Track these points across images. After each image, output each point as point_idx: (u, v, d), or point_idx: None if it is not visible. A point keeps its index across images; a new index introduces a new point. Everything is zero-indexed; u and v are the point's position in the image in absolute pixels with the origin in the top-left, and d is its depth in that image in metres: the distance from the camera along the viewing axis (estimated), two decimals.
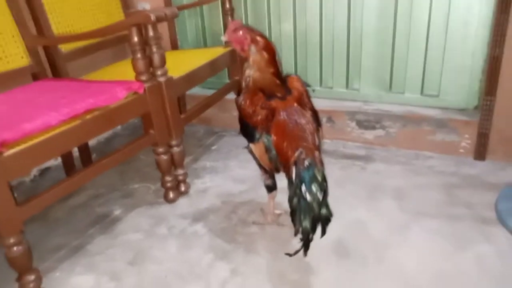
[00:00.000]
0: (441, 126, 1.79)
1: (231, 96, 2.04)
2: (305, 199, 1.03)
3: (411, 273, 1.20)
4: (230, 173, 1.83)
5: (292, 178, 1.08)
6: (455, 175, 1.67)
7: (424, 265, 1.23)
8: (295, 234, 1.06)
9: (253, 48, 1.20)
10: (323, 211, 1.05)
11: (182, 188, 1.67)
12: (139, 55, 1.37)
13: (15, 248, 1.10)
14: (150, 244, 1.41)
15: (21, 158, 1.08)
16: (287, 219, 1.40)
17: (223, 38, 1.26)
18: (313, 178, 1.04)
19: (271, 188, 1.40)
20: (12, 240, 1.09)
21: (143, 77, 1.40)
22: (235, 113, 2.16)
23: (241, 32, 1.20)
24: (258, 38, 1.20)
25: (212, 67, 1.83)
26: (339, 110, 1.97)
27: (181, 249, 1.38)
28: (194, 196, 1.67)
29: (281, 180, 1.33)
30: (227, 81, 2.23)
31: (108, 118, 1.31)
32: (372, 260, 1.26)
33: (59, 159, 1.84)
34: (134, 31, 1.35)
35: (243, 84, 1.25)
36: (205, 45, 2.31)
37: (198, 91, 2.30)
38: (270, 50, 1.21)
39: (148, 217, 1.56)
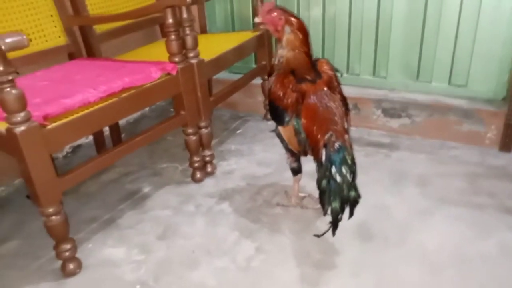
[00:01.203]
0: (467, 116, 1.79)
1: (257, 81, 2.07)
2: (335, 180, 1.06)
3: (433, 256, 1.22)
4: (254, 156, 1.86)
5: (322, 160, 1.11)
6: (480, 165, 1.67)
7: (445, 249, 1.25)
8: (324, 215, 1.09)
9: (287, 28, 1.22)
10: (352, 193, 1.08)
11: (209, 169, 1.71)
12: (173, 37, 1.41)
13: (54, 217, 1.16)
14: (178, 220, 1.46)
15: (62, 132, 1.14)
16: (311, 202, 1.45)
17: (257, 20, 1.28)
18: (343, 161, 1.07)
19: (297, 171, 1.42)
20: (51, 210, 1.15)
21: (177, 59, 1.44)
22: (261, 98, 2.20)
23: (275, 13, 1.22)
24: (292, 18, 1.22)
25: (240, 51, 1.86)
26: (365, 97, 1.98)
27: (208, 226, 1.42)
28: (220, 177, 1.72)
29: (306, 164, 1.37)
30: (254, 66, 2.25)
31: (143, 97, 1.36)
32: (394, 242, 1.29)
33: (90, 138, 1.91)
34: (169, 12, 1.38)
35: (276, 64, 1.27)
36: (233, 30, 2.34)
37: (224, 75, 2.33)
38: (303, 30, 1.23)
39: (176, 195, 1.61)
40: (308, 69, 1.24)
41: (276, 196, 1.56)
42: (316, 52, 2.10)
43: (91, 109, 1.21)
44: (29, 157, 1.06)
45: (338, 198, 1.06)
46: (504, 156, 1.73)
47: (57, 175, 1.16)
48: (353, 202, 1.08)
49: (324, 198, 1.09)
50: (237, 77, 2.01)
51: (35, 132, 1.06)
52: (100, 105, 1.23)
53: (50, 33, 1.59)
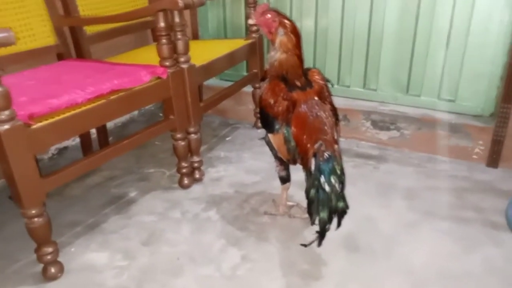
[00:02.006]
0: (455, 131, 1.80)
1: (248, 89, 2.07)
2: (324, 190, 1.06)
3: (418, 270, 1.22)
4: (243, 164, 1.85)
5: (311, 169, 1.10)
6: (467, 180, 1.68)
7: (431, 263, 1.24)
8: (312, 224, 1.08)
9: (281, 31, 1.22)
10: (340, 203, 1.07)
11: (197, 175, 1.70)
12: (164, 41, 1.40)
13: (36, 219, 1.13)
14: (163, 226, 1.44)
15: (47, 132, 1.12)
16: (299, 211, 1.45)
17: (250, 21, 1.28)
18: (332, 170, 1.07)
19: (285, 179, 1.42)
20: (34, 211, 1.12)
21: (167, 63, 1.43)
22: (251, 106, 2.20)
23: (269, 15, 1.22)
24: (286, 21, 1.22)
25: (231, 58, 1.86)
26: (355, 109, 1.99)
27: (194, 233, 1.40)
28: (208, 183, 1.70)
29: (294, 173, 1.36)
30: (245, 73, 2.25)
31: (132, 100, 1.34)
32: (380, 255, 1.28)
33: (77, 140, 1.88)
34: (161, 16, 1.37)
35: (268, 67, 1.27)
36: (225, 37, 2.34)
37: (215, 82, 2.33)
38: (296, 33, 1.23)
39: (163, 200, 1.58)
40: (300, 72, 1.24)
41: (264, 204, 1.55)
42: (308, 63, 2.10)
43: (78, 110, 1.19)
44: (12, 157, 1.04)
45: (326, 208, 1.05)
46: (491, 171, 1.74)
47: (41, 176, 1.13)
48: (341, 213, 1.07)
49: (312, 207, 1.08)
50: (228, 84, 2.01)
51: (20, 132, 1.04)
52: (88, 106, 1.22)
53: (39, 33, 1.56)
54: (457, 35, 1.76)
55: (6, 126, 1.01)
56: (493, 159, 1.75)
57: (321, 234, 1.07)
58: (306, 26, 2.07)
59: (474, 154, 1.80)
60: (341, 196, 1.07)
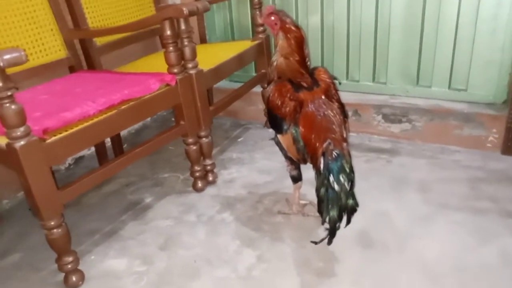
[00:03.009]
0: (468, 120, 1.78)
1: (257, 89, 2.08)
2: (333, 189, 1.07)
3: (433, 264, 1.22)
4: (256, 164, 1.87)
5: (320, 168, 1.11)
6: (481, 170, 1.66)
7: (446, 256, 1.24)
8: (322, 223, 1.10)
9: (281, 34, 1.23)
10: (350, 201, 1.08)
11: (210, 178, 1.72)
12: (171, 48, 1.42)
13: (55, 230, 1.17)
14: (179, 230, 1.47)
15: (61, 145, 1.15)
16: (312, 210, 1.45)
17: (259, 20, 1.29)
18: (341, 169, 1.07)
19: (297, 179, 1.43)
20: (53, 223, 1.15)
21: (175, 70, 1.45)
22: (261, 106, 2.21)
23: (272, 17, 1.24)
24: (288, 25, 1.23)
25: (240, 60, 1.87)
26: (365, 103, 1.98)
27: (209, 236, 1.43)
28: (221, 185, 1.72)
29: (306, 171, 1.37)
30: (254, 74, 2.26)
31: (142, 109, 1.37)
32: (394, 250, 1.28)
33: (93, 149, 1.92)
34: (167, 24, 1.39)
35: (269, 70, 1.29)
36: (233, 39, 2.35)
37: (224, 84, 2.35)
38: (297, 38, 1.23)
39: (178, 204, 1.61)
40: (300, 75, 1.25)
41: (277, 204, 1.57)
42: (315, 59, 2.11)
43: (90, 122, 1.22)
44: (29, 171, 1.07)
45: (336, 206, 1.06)
46: (506, 159, 1.72)
47: (58, 188, 1.16)
48: (351, 210, 1.08)
49: (322, 206, 1.09)
50: (237, 85, 2.02)
51: (35, 146, 1.07)
52: (100, 117, 1.24)
53: (51, 47, 1.61)
54: (466, 23, 1.74)
55: (22, 142, 1.05)
56: (508, 147, 1.73)
57: (332, 233, 1.08)
58: (312, 23, 2.07)
59: (488, 142, 1.78)
60: (351, 194, 1.08)
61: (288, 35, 1.24)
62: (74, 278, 1.24)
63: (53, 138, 1.13)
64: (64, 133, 1.16)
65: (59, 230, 1.17)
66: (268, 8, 1.27)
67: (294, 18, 2.10)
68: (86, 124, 1.21)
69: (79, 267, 1.27)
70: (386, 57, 1.95)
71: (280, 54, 1.26)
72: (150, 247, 1.40)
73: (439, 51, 1.83)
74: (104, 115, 1.26)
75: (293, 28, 1.24)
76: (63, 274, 1.25)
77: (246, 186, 1.70)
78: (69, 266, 1.23)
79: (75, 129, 1.18)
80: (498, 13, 1.66)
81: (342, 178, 1.07)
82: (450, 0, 1.74)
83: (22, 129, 1.04)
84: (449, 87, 1.88)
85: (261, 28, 1.98)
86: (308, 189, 1.47)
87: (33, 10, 1.55)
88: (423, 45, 1.86)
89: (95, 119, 1.23)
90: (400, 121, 1.93)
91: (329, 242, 1.09)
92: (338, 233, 1.10)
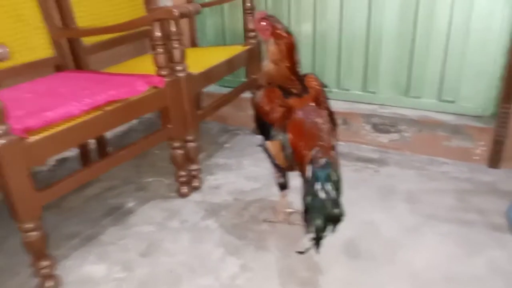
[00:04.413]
0: (456, 132, 1.78)
1: (247, 95, 2.06)
2: (319, 197, 1.04)
3: (421, 275, 1.20)
4: (242, 170, 1.84)
5: (307, 176, 1.09)
6: (469, 182, 1.66)
7: (434, 268, 1.23)
8: (307, 232, 1.07)
9: (271, 40, 1.22)
10: (336, 210, 1.06)
11: (195, 184, 1.69)
12: (160, 50, 1.40)
13: (32, 233, 1.13)
14: (162, 236, 1.43)
15: (43, 145, 1.12)
16: (298, 218, 1.42)
17: (251, 25, 1.29)
18: (328, 177, 1.05)
19: (284, 186, 1.41)
20: (30, 225, 1.12)
21: (164, 72, 1.43)
22: (250, 112, 2.17)
23: (264, 23, 1.23)
24: (279, 31, 1.22)
25: (230, 65, 1.85)
26: (354, 112, 1.98)
27: (193, 243, 1.39)
28: (207, 191, 1.69)
29: (293, 179, 1.34)
30: (244, 79, 2.24)
31: (128, 110, 1.34)
32: (382, 261, 1.26)
33: (76, 150, 1.88)
34: (157, 26, 1.37)
35: (259, 75, 1.28)
36: (224, 43, 2.33)
37: (214, 89, 2.33)
38: (288, 44, 1.23)
39: (161, 210, 1.58)
40: (290, 81, 1.24)
41: (263, 211, 1.54)
42: (307, 66, 2.10)
43: (74, 122, 1.19)
44: (7, 171, 1.04)
45: (322, 215, 1.04)
46: (492, 172, 1.72)
47: (37, 190, 1.13)
48: (337, 220, 1.06)
49: (308, 214, 1.07)
50: (227, 90, 2.00)
51: (15, 146, 1.04)
52: (84, 118, 1.21)
53: (37, 45, 1.57)
54: (457, 36, 1.75)
55: (2, 141, 1.01)
56: (495, 160, 1.73)
57: (317, 242, 1.06)
58: (304, 30, 2.06)
59: (476, 155, 1.78)
60: (337, 203, 1.06)
61: (279, 41, 1.23)
62: (50, 283, 1.20)
63: (35, 138, 1.09)
64: (46, 133, 1.12)
65: (36, 233, 1.13)
66: (259, 14, 1.26)
67: (286, 24, 2.08)
68: (69, 124, 1.18)
69: (56, 272, 1.22)
70: (377, 67, 1.95)
71: (270, 60, 1.25)
72: (131, 253, 1.36)
73: (429, 63, 1.83)
74: (89, 116, 1.22)
75: (284, 34, 1.23)
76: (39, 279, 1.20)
77: (232, 193, 1.67)
78: (45, 270, 1.19)
79: (57, 129, 1.15)
80: (489, 26, 1.67)
81: (329, 186, 1.05)
82: (442, 12, 1.74)
83: (2, 127, 1.01)
84: (438, 99, 1.88)
85: (252, 34, 1.96)
86: (296, 197, 1.44)
87: (21, 8, 1.52)
88: (414, 56, 1.86)
89: (79, 120, 1.20)
90: (389, 131, 1.93)
91: (317, 251, 1.07)
92: (325, 242, 1.08)
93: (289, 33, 1.24)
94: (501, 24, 1.65)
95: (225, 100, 1.89)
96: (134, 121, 2.35)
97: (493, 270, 1.21)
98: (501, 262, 1.24)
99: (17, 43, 1.51)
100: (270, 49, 1.23)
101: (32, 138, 1.09)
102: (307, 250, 1.08)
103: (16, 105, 1.19)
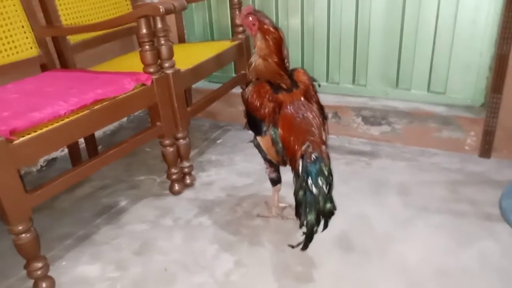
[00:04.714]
0: (447, 123, 1.79)
1: (237, 90, 2.05)
2: (311, 192, 1.04)
3: (414, 268, 1.21)
4: (235, 166, 1.83)
5: (298, 171, 1.09)
6: (460, 172, 1.67)
7: (427, 260, 1.23)
8: (300, 227, 1.07)
9: (259, 35, 1.22)
10: (328, 205, 1.06)
11: (188, 181, 1.68)
12: (147, 47, 1.38)
13: (23, 235, 1.11)
14: (155, 235, 1.42)
15: (30, 146, 1.10)
16: (291, 213, 1.42)
17: (237, 21, 1.28)
18: (320, 172, 1.05)
19: (276, 181, 1.41)
20: (20, 227, 1.10)
21: (151, 69, 1.41)
22: (241, 108, 2.18)
23: (250, 18, 1.22)
24: (266, 26, 1.21)
25: (219, 60, 1.84)
26: (345, 105, 1.98)
27: (186, 240, 1.39)
28: (199, 188, 1.68)
29: (286, 174, 1.34)
30: (233, 75, 2.23)
31: (116, 109, 1.32)
32: (375, 254, 1.27)
33: (66, 150, 1.86)
34: (142, 22, 1.35)
35: (247, 71, 1.27)
36: (212, 39, 2.32)
37: (203, 85, 2.32)
38: (276, 39, 1.22)
39: (154, 208, 1.57)
40: (279, 76, 1.23)
41: (256, 207, 1.54)
42: (296, 61, 2.09)
43: (61, 122, 1.17)
44: None
45: (314, 210, 1.04)
46: (483, 162, 1.73)
47: (27, 191, 1.11)
48: (329, 214, 1.06)
49: (300, 209, 1.07)
50: (216, 86, 1.99)
51: (2, 148, 1.02)
52: (71, 118, 1.19)
53: (21, 44, 1.54)
54: (445, 27, 1.75)
55: None
56: (485, 150, 1.74)
57: (309, 237, 1.06)
58: (292, 24, 2.05)
59: (466, 145, 1.79)
60: (329, 198, 1.06)
61: (267, 36, 1.22)
62: (44, 285, 1.18)
63: (21, 139, 1.07)
64: (33, 134, 1.10)
65: (28, 235, 1.12)
66: (246, 9, 1.25)
67: (274, 19, 2.08)
68: (57, 124, 1.16)
69: (50, 274, 1.21)
70: (366, 60, 1.95)
71: (258, 55, 1.24)
72: (124, 252, 1.35)
73: (418, 54, 1.84)
74: (76, 115, 1.21)
75: (271, 29, 1.22)
76: (32, 281, 1.19)
77: (225, 189, 1.67)
78: (39, 272, 1.17)
79: (45, 129, 1.13)
80: (476, 17, 1.68)
81: (320, 181, 1.05)
82: (429, 4, 1.75)
83: None
84: (428, 90, 1.89)
85: (240, 29, 1.95)
86: (288, 191, 1.44)
87: (3, 6, 1.49)
88: (403, 48, 1.87)
89: (67, 120, 1.18)
90: (379, 124, 1.93)
91: (305, 247, 1.07)
92: (318, 237, 1.08)
93: (276, 28, 1.23)
94: (487, 16, 1.66)
95: (214, 96, 1.87)
96: (124, 119, 2.34)
97: (485, 262, 1.21)
98: (493, 253, 1.24)
99: (0, 43, 1.48)
100: (258, 45, 1.23)
101: (19, 140, 1.07)
102: (299, 244, 1.08)
103: (2, 106, 1.18)
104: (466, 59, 1.75)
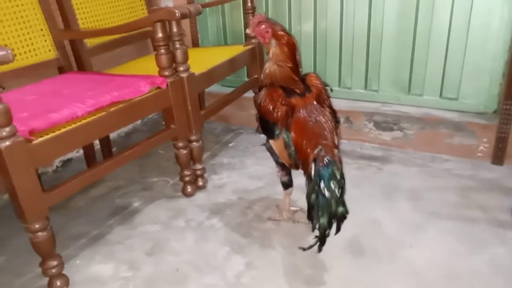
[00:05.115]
0: (459, 129, 1.79)
1: (249, 94, 2.07)
2: (323, 195, 1.05)
3: (424, 272, 1.21)
4: (246, 170, 1.85)
5: (311, 175, 1.10)
6: (472, 179, 1.66)
7: (437, 265, 1.23)
8: (312, 230, 1.08)
9: (273, 42, 1.23)
10: (340, 208, 1.07)
11: (200, 183, 1.70)
12: (162, 51, 1.40)
13: (40, 234, 1.13)
14: (168, 235, 1.44)
15: (48, 146, 1.12)
16: (302, 216, 1.44)
17: (247, 31, 1.30)
18: (332, 176, 1.06)
19: (287, 185, 1.42)
20: (37, 226, 1.12)
21: (166, 72, 1.43)
22: (253, 111, 2.20)
23: (263, 26, 1.23)
24: (280, 32, 1.23)
25: (232, 65, 1.86)
26: (357, 110, 1.98)
27: (198, 242, 1.40)
28: (211, 191, 1.70)
29: (297, 177, 1.35)
30: (246, 79, 2.25)
31: (131, 111, 1.35)
32: (385, 258, 1.27)
33: (81, 151, 1.90)
34: (158, 27, 1.38)
35: (262, 76, 1.28)
36: (226, 43, 2.34)
37: (216, 89, 2.34)
38: (290, 45, 1.23)
39: (166, 209, 1.59)
40: (293, 82, 1.25)
41: (267, 210, 1.55)
42: (308, 66, 2.11)
43: (78, 123, 1.20)
44: (14, 173, 1.04)
45: (326, 213, 1.05)
46: (496, 169, 1.73)
47: (44, 191, 1.14)
48: (341, 218, 1.07)
49: (312, 213, 1.08)
50: (229, 90, 2.01)
51: (21, 147, 1.05)
52: (88, 119, 1.22)
53: (40, 47, 1.58)
54: (457, 33, 1.75)
55: (7, 143, 1.02)
56: (498, 157, 1.73)
57: (321, 240, 1.07)
58: (305, 30, 2.07)
59: (479, 152, 1.78)
60: (341, 201, 1.07)
61: (281, 42, 1.23)
62: (58, 283, 1.21)
63: (40, 139, 1.10)
64: (51, 134, 1.13)
65: (44, 233, 1.14)
66: (257, 17, 1.26)
67: (287, 24, 2.10)
68: (74, 125, 1.18)
69: (64, 272, 1.23)
70: (378, 65, 1.96)
71: (273, 62, 1.25)
72: (137, 253, 1.37)
73: (430, 60, 1.84)
74: (93, 117, 1.23)
75: (285, 35, 1.24)
76: (47, 279, 1.21)
77: (236, 192, 1.68)
78: (54, 270, 1.20)
79: (62, 130, 1.16)
80: (489, 22, 1.68)
81: (332, 184, 1.06)
82: (442, 10, 1.75)
83: (7, 129, 1.01)
84: (440, 96, 1.88)
85: (253, 34, 1.96)
86: (299, 195, 1.46)
87: (23, 10, 1.53)
88: (415, 54, 1.87)
89: (83, 121, 1.21)
90: (391, 129, 1.93)
91: (319, 250, 1.08)
92: (329, 240, 1.09)
93: (289, 34, 1.25)
94: (500, 21, 1.66)
95: (228, 99, 1.89)
96: (138, 122, 2.37)
97: (496, 268, 1.21)
98: (504, 260, 1.24)
99: (20, 45, 1.52)
100: (273, 51, 1.24)
101: (37, 140, 1.10)
102: (310, 247, 1.09)
103: (21, 107, 1.20)
104: (479, 65, 1.75)
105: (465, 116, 1.81)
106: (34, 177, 1.09)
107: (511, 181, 1.63)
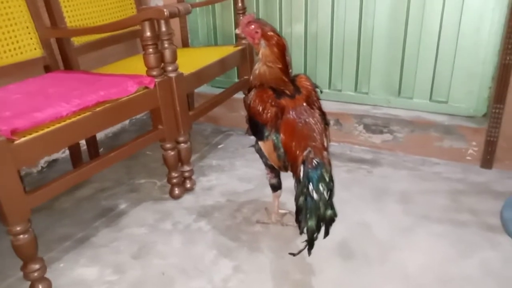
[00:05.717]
0: (449, 132, 1.79)
1: (240, 95, 2.05)
2: (312, 198, 1.04)
3: (414, 276, 1.20)
4: (235, 172, 1.83)
5: (299, 177, 1.08)
6: (462, 182, 1.66)
7: (427, 268, 1.22)
8: (300, 233, 1.07)
9: (263, 42, 1.21)
10: (328, 211, 1.05)
11: (188, 185, 1.68)
12: (151, 50, 1.38)
13: (21, 236, 1.10)
14: (154, 238, 1.42)
15: (31, 146, 1.09)
16: (291, 219, 1.42)
17: (237, 31, 1.28)
18: (321, 178, 1.05)
19: (276, 187, 1.40)
20: (19, 228, 1.09)
21: (154, 72, 1.41)
22: (243, 113, 2.18)
23: (253, 26, 1.22)
24: (269, 33, 1.21)
25: (222, 65, 1.84)
26: (347, 113, 1.97)
27: (185, 245, 1.38)
28: (200, 193, 1.68)
29: (286, 180, 1.34)
30: (236, 80, 2.23)
31: (118, 111, 1.32)
32: (375, 261, 1.26)
33: (67, 152, 1.86)
34: (147, 25, 1.35)
35: (251, 77, 1.27)
36: (216, 44, 2.32)
37: (206, 89, 2.32)
38: (280, 46, 1.22)
39: (153, 212, 1.56)
40: (283, 83, 1.23)
41: (256, 213, 1.53)
42: (299, 67, 2.10)
43: (63, 123, 1.17)
44: None
45: (314, 216, 1.03)
46: (485, 172, 1.73)
47: (26, 192, 1.11)
48: (329, 221, 1.06)
49: (300, 216, 1.06)
50: (219, 91, 1.99)
51: (2, 147, 1.02)
52: (73, 119, 1.19)
53: (26, 45, 1.55)
54: (448, 36, 1.75)
55: None
56: (487, 160, 1.74)
57: (310, 243, 1.05)
58: (296, 31, 2.06)
59: (468, 155, 1.78)
60: (330, 204, 1.05)
61: (271, 43, 1.22)
62: (40, 287, 1.18)
63: (23, 139, 1.07)
64: (35, 134, 1.10)
65: (26, 236, 1.11)
66: (247, 17, 1.25)
67: (277, 26, 2.08)
68: (58, 125, 1.15)
69: (47, 275, 1.20)
70: (369, 68, 1.95)
71: (263, 62, 1.23)
72: (123, 256, 1.34)
73: (421, 63, 1.84)
74: (78, 117, 1.20)
75: (275, 35, 1.22)
76: (29, 283, 1.18)
77: (225, 194, 1.66)
78: (36, 274, 1.16)
79: (46, 130, 1.13)
80: (479, 26, 1.68)
81: (321, 187, 1.04)
82: (433, 14, 1.75)
83: None
84: (430, 99, 1.88)
85: (243, 35, 1.95)
86: (288, 198, 1.44)
87: (8, 6, 1.49)
88: (406, 57, 1.87)
89: (68, 121, 1.18)
90: (381, 132, 1.93)
91: (309, 253, 1.06)
92: (318, 243, 1.08)
93: (279, 34, 1.23)
94: (491, 25, 1.66)
95: (217, 100, 1.87)
96: (126, 122, 2.34)
97: (486, 271, 1.21)
98: (494, 263, 1.24)
99: (5, 43, 1.48)
100: (263, 52, 1.22)
101: (20, 140, 1.07)
102: (300, 252, 1.08)
103: (4, 106, 1.18)
104: (469, 68, 1.75)
105: (455, 119, 1.81)
106: (16, 178, 1.06)
107: (500, 185, 1.63)
